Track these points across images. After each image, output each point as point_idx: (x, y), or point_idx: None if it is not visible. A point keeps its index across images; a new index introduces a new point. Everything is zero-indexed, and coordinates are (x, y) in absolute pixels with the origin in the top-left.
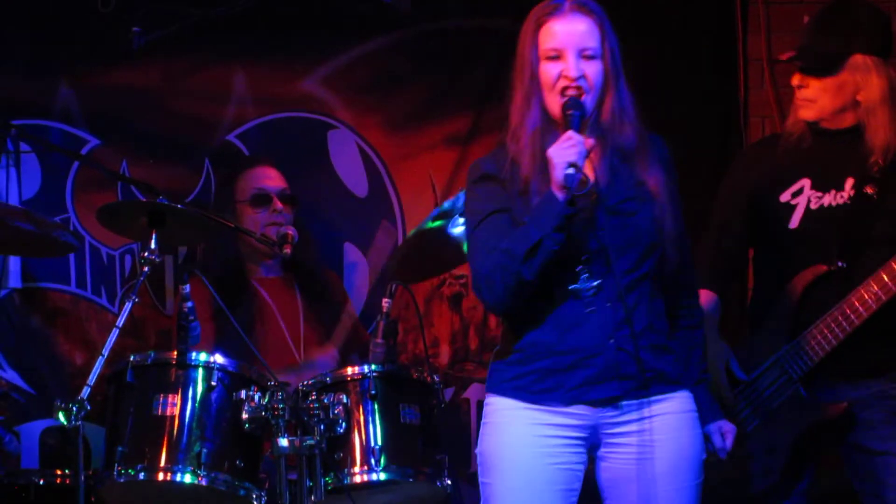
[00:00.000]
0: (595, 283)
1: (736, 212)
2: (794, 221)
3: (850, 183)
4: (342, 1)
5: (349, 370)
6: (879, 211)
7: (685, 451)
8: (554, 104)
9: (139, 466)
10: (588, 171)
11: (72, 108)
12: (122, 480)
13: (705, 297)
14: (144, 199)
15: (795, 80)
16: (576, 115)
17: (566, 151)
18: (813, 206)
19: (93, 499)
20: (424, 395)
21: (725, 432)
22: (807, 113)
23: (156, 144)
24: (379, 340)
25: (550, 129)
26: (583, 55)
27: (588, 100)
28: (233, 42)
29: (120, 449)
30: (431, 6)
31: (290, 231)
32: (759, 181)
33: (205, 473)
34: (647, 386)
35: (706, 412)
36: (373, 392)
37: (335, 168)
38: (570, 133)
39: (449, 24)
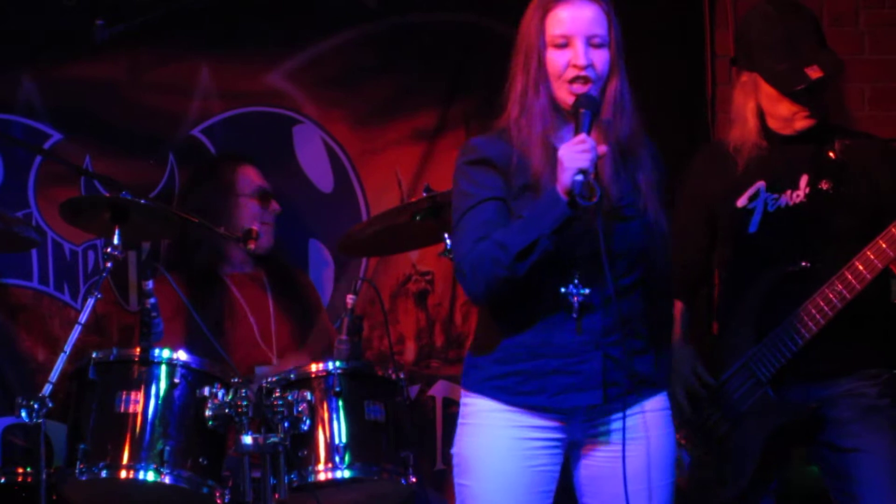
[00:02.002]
0: (586, 291)
1: (695, 221)
2: (753, 225)
3: (804, 180)
4: None
5: (313, 367)
6: (836, 205)
7: (660, 449)
8: (562, 93)
9: (101, 464)
10: (596, 175)
11: (34, 102)
12: (84, 478)
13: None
14: (107, 194)
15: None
16: (587, 115)
17: (578, 156)
18: (770, 209)
19: (54, 497)
20: (389, 392)
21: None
22: (811, 122)
23: (119, 139)
24: (343, 337)
25: (559, 119)
26: (591, 43)
27: (593, 89)
28: (198, 35)
29: (82, 446)
30: (399, 0)
31: (255, 226)
32: (714, 189)
33: (168, 471)
34: (631, 392)
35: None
36: (337, 389)
37: (300, 163)
38: (583, 136)
39: (416, 18)
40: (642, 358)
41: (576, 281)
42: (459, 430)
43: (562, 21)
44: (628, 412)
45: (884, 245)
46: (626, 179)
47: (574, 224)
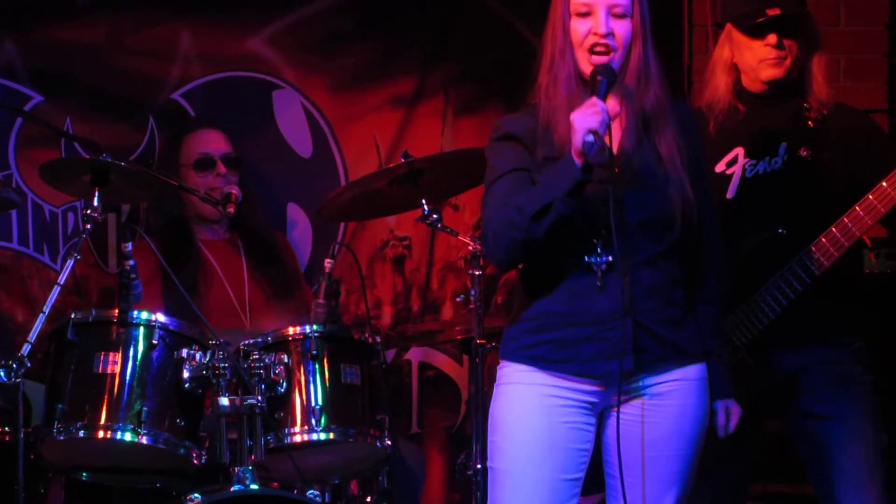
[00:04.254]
0: (608, 259)
1: None
2: (731, 191)
3: (783, 147)
4: None
5: (290, 330)
6: (815, 172)
7: (688, 417)
8: (584, 62)
9: (79, 424)
10: (609, 139)
11: (15, 64)
12: (61, 438)
13: None
14: (87, 157)
15: (774, 38)
16: (603, 82)
17: (588, 118)
18: (748, 175)
19: (32, 456)
20: (366, 355)
21: (732, 413)
22: (777, 71)
23: (100, 102)
24: (320, 301)
25: (584, 90)
26: (612, 12)
27: (615, 59)
28: (178, 0)
29: (60, 406)
30: None
31: (234, 190)
32: None
33: (145, 432)
34: (662, 360)
35: (717, 387)
36: (314, 352)
37: (280, 128)
38: (594, 99)
39: None
40: (678, 328)
41: (598, 250)
42: (494, 391)
43: None
44: (659, 378)
45: (861, 213)
46: (648, 151)
47: (594, 194)
